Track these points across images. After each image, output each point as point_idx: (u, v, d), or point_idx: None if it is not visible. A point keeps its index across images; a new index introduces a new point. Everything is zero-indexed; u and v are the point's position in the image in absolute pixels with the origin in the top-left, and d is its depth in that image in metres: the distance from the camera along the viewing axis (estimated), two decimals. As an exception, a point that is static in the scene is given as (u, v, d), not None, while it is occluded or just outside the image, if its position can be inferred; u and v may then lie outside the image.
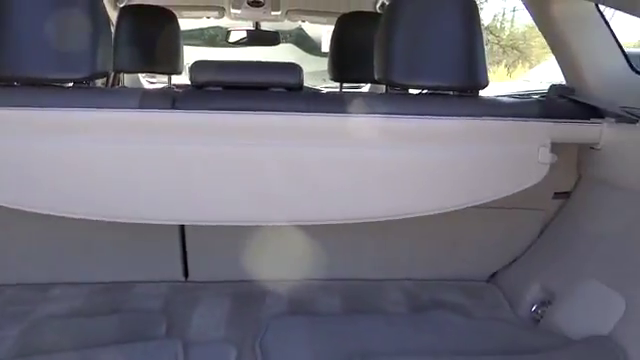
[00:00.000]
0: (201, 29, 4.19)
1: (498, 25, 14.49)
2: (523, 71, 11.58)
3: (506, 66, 12.95)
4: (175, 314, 1.51)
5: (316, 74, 3.83)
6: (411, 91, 1.55)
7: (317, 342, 1.31)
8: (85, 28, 1.28)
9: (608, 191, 1.52)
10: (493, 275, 1.81)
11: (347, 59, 2.34)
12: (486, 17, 13.72)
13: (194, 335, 1.43)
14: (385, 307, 1.64)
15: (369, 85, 3.07)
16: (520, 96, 1.67)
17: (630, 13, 1.34)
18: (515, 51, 13.47)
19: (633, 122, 1.40)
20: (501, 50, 13.58)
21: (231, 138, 1.34)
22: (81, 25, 1.28)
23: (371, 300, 1.66)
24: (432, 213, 1.44)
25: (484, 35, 1.61)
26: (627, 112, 1.43)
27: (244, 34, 3.34)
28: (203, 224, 1.52)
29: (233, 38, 3.37)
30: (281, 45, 4.29)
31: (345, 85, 2.70)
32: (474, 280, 1.80)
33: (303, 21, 3.41)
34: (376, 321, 1.46)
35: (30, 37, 1.25)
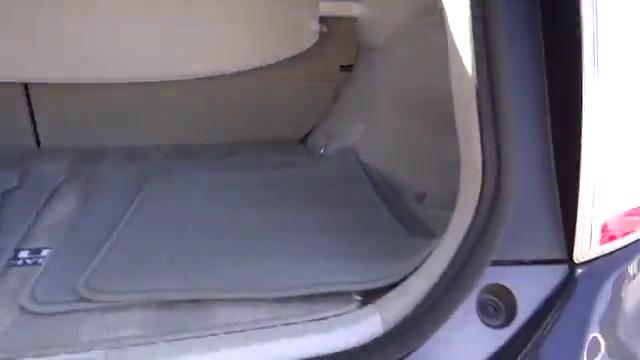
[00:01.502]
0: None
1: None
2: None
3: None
4: (26, 167, 1.66)
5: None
6: None
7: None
8: None
9: (367, 53, 1.95)
10: (305, 137, 2.16)
11: None
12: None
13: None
14: (208, 158, 1.94)
15: None
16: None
17: None
18: None
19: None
20: None
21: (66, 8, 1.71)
22: None
23: (197, 152, 1.95)
24: (230, 72, 1.87)
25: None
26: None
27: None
28: (40, 81, 1.80)
29: None
30: None
31: None
32: (289, 141, 2.15)
33: None
34: (198, 163, 1.79)
35: None
